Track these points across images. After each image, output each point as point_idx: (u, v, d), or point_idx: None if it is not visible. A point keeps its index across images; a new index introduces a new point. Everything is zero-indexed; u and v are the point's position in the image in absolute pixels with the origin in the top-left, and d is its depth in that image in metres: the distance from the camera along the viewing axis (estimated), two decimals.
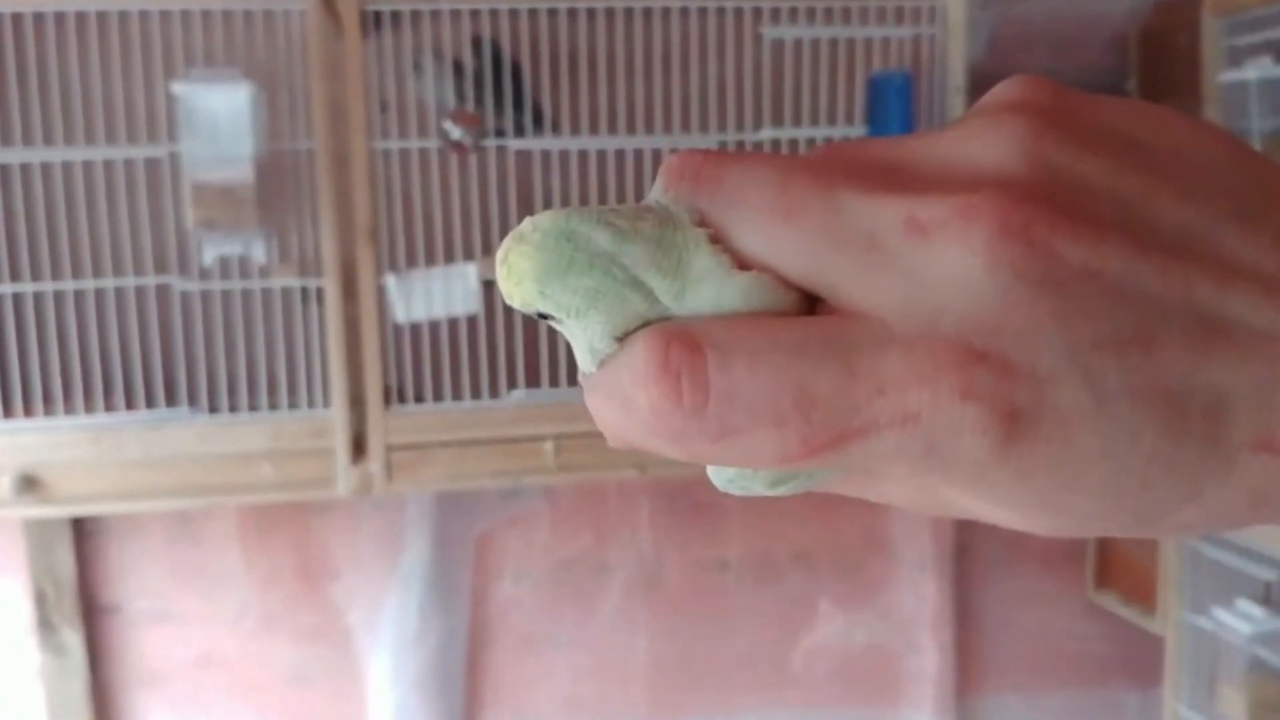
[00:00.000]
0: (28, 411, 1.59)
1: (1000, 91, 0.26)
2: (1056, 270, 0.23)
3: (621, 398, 0.26)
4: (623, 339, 0.26)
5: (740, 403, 0.24)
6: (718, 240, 0.26)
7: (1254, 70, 1.70)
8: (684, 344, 0.25)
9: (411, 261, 1.65)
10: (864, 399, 0.24)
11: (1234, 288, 0.23)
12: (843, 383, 0.24)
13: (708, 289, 0.26)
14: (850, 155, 0.26)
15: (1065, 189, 0.24)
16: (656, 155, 1.68)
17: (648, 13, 1.66)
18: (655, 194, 0.27)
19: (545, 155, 1.66)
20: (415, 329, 1.67)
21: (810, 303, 0.25)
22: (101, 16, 1.56)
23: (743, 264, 0.26)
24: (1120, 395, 0.23)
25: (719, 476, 0.28)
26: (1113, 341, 0.23)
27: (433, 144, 1.64)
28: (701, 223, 0.26)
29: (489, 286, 1.66)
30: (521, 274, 0.27)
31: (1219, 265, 0.24)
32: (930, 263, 0.24)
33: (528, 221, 0.27)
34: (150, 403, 1.62)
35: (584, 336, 0.27)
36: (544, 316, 0.27)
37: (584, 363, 0.27)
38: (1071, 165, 0.24)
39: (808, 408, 0.24)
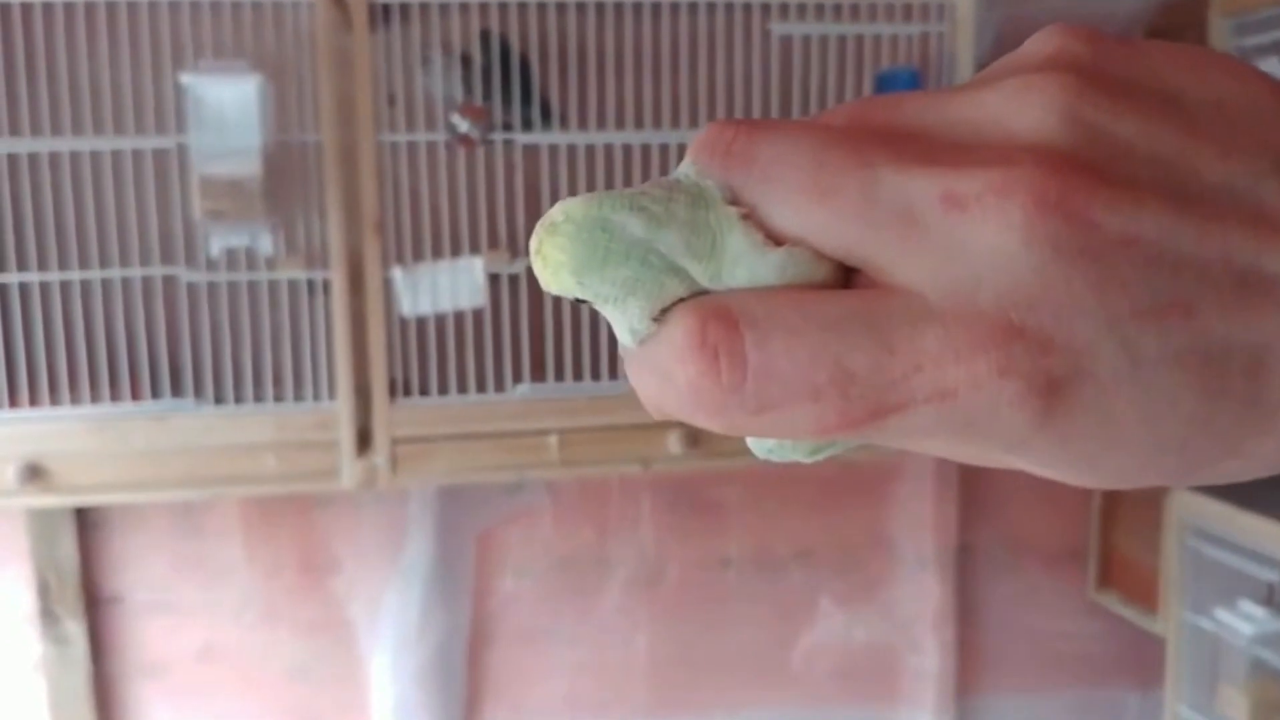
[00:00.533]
0: (33, 401, 1.59)
1: (1038, 45, 0.26)
2: (1094, 241, 0.23)
3: (661, 372, 0.26)
4: (660, 318, 0.26)
5: (777, 378, 0.24)
6: (750, 217, 0.26)
7: None
8: (721, 321, 0.25)
9: (418, 255, 1.65)
10: (901, 375, 0.24)
11: (1274, 243, 0.23)
12: (880, 358, 0.24)
13: (743, 269, 0.26)
14: (884, 121, 0.26)
15: (1103, 153, 0.24)
16: (664, 150, 1.68)
17: (656, 8, 1.66)
18: (685, 168, 0.27)
19: (553, 150, 1.66)
20: (421, 322, 1.67)
21: (846, 272, 0.25)
22: (110, 7, 1.56)
23: (777, 240, 0.26)
24: (1159, 362, 0.23)
25: (759, 446, 0.28)
26: (1151, 309, 0.23)
27: (440, 137, 1.64)
28: (733, 200, 0.26)
29: (494, 280, 1.66)
30: (558, 265, 0.27)
31: (1260, 221, 0.24)
32: (967, 238, 0.24)
33: (558, 209, 0.27)
34: (155, 393, 1.62)
35: (623, 320, 0.27)
36: (581, 301, 0.27)
37: (624, 339, 0.27)
38: (1109, 127, 0.24)
39: (844, 383, 0.24)
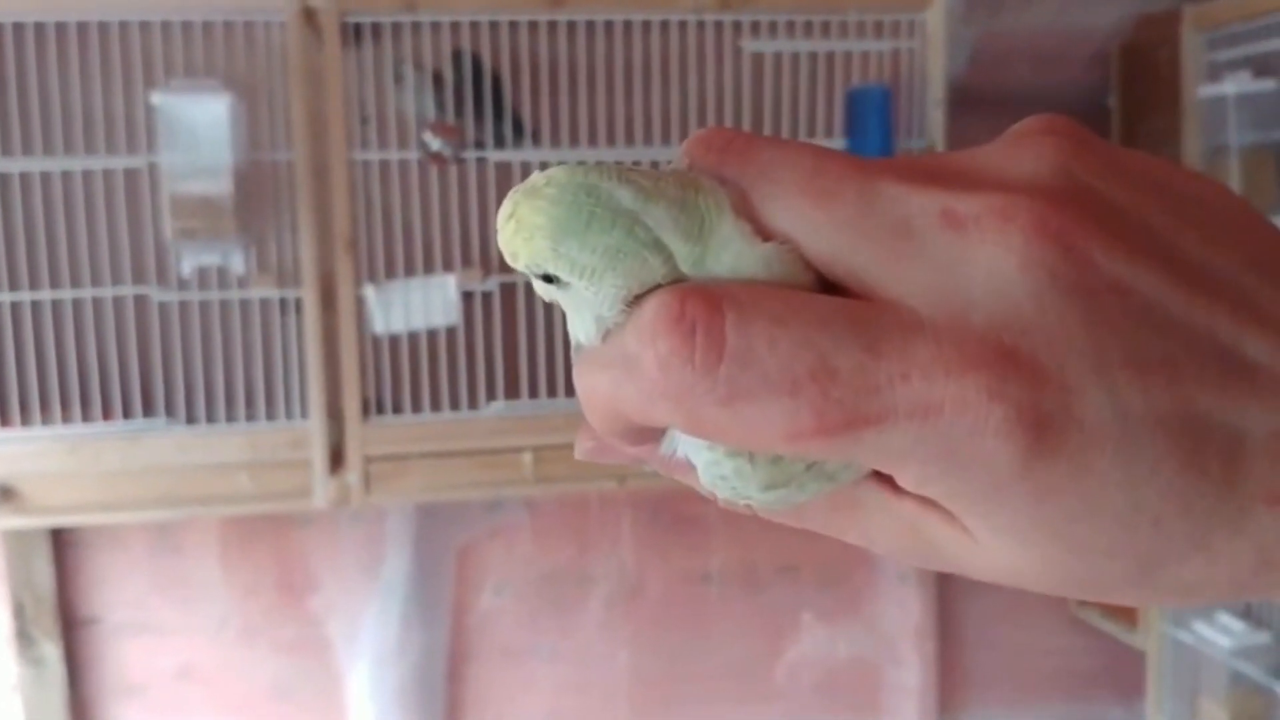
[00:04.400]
0: (5, 422, 1.59)
1: (1029, 121, 0.26)
2: (1090, 279, 0.23)
3: (623, 360, 0.24)
4: (631, 307, 0.25)
5: (755, 366, 0.23)
6: (741, 209, 0.25)
7: (1232, 85, 1.71)
8: (702, 298, 0.23)
9: (390, 272, 1.65)
10: (886, 382, 0.23)
11: (1256, 331, 0.23)
12: (866, 361, 0.23)
13: (728, 256, 0.24)
14: (885, 159, 0.26)
15: (1098, 207, 0.24)
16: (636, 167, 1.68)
17: (628, 25, 1.67)
18: (676, 162, 0.26)
19: (525, 167, 1.67)
20: (394, 340, 1.66)
21: (827, 287, 0.24)
22: (82, 27, 1.56)
23: (766, 236, 0.25)
24: (1144, 420, 0.23)
25: (711, 473, 0.26)
26: (1138, 362, 0.23)
27: (412, 155, 1.64)
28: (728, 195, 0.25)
29: (468, 298, 1.66)
30: (534, 229, 0.25)
31: (1242, 305, 0.23)
32: (964, 256, 0.23)
33: (538, 175, 0.25)
34: (128, 413, 1.62)
35: (592, 302, 0.25)
36: (548, 279, 0.25)
37: (583, 333, 0.26)
38: (1101, 188, 0.24)
39: (826, 381, 0.23)
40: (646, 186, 0.25)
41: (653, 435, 0.27)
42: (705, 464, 0.26)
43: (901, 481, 0.24)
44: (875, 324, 0.23)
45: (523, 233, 0.25)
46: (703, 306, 0.23)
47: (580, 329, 0.26)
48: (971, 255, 0.23)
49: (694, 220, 0.25)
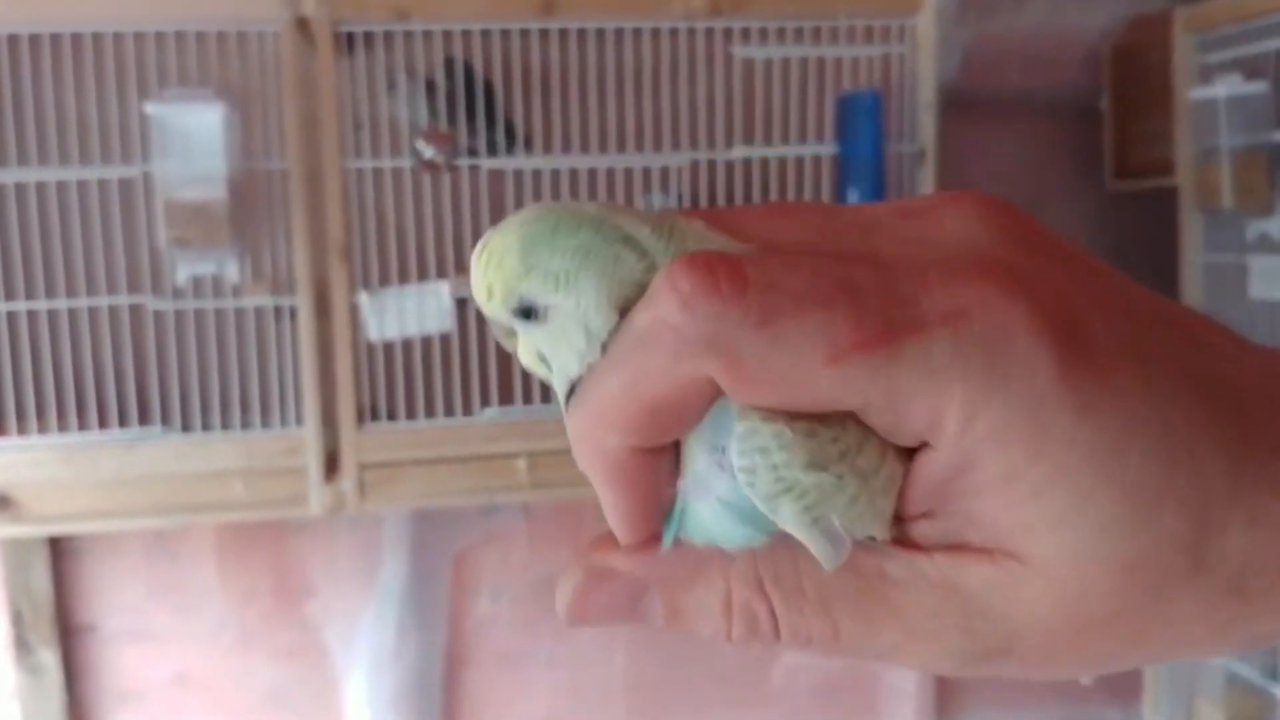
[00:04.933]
0: (2, 431, 1.59)
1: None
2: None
3: (633, 343, 0.23)
4: (624, 314, 0.24)
5: (782, 287, 0.22)
6: (714, 225, 0.25)
7: (1224, 87, 1.72)
8: (713, 255, 0.23)
9: (384, 280, 1.65)
10: (910, 294, 0.23)
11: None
12: (886, 278, 0.23)
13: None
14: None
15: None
16: (628, 174, 1.69)
17: (619, 33, 1.67)
18: None
19: (518, 174, 1.67)
20: (388, 347, 1.67)
21: None
22: (76, 37, 1.57)
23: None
24: (1151, 354, 0.23)
25: (749, 446, 0.24)
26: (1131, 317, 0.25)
27: (406, 163, 1.64)
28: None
29: (462, 305, 1.66)
30: (504, 251, 0.25)
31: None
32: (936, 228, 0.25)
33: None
34: (123, 421, 1.62)
35: (576, 315, 0.25)
36: (526, 315, 0.25)
37: (576, 359, 0.25)
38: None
39: (854, 291, 0.22)
40: (614, 205, 0.25)
41: (679, 424, 0.25)
42: (741, 439, 0.24)
43: (949, 421, 0.23)
44: (886, 260, 0.23)
45: (493, 260, 0.25)
46: (716, 256, 0.23)
47: (572, 355, 0.25)
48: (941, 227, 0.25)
49: (663, 221, 0.25)
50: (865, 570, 0.25)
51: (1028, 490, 0.23)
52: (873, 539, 0.25)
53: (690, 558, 0.25)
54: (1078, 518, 0.23)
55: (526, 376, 1.70)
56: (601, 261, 0.24)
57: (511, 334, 0.27)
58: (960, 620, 0.24)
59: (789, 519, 0.24)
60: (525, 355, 0.27)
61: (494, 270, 0.25)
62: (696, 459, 0.25)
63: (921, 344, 0.22)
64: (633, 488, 0.26)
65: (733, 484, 0.24)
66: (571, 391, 0.26)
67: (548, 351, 0.26)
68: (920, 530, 0.25)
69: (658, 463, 0.26)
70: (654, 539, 0.26)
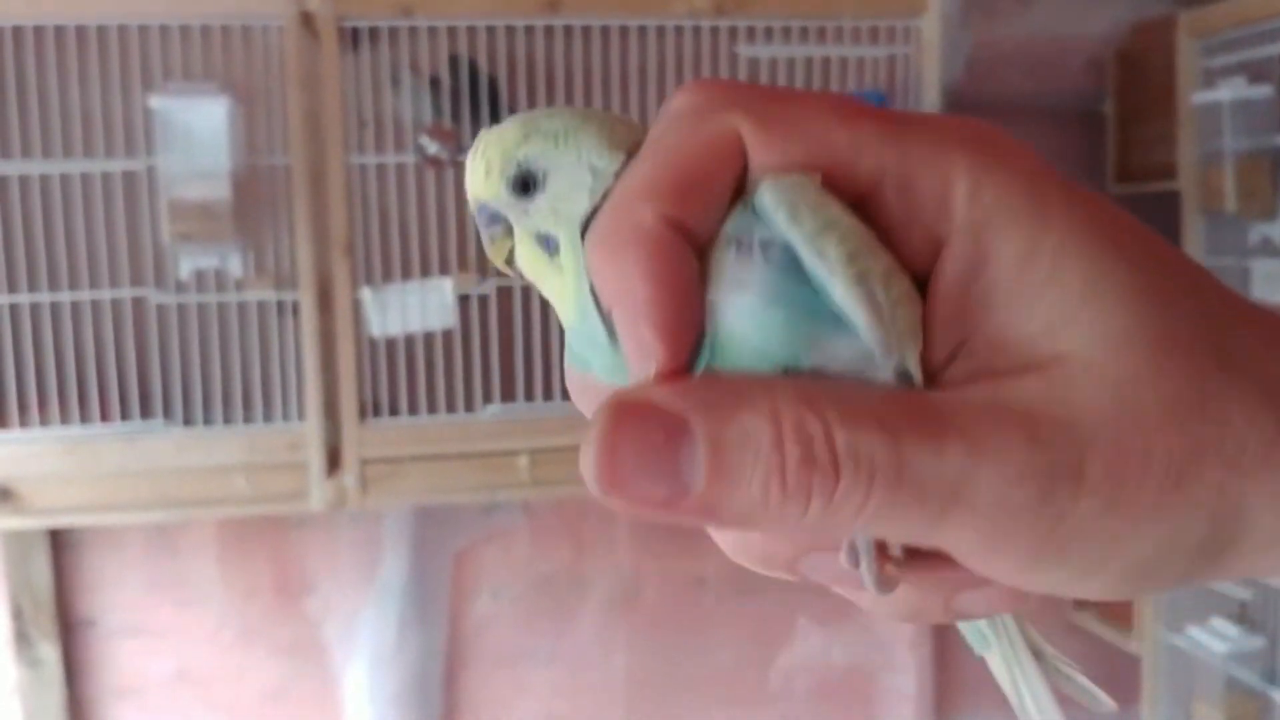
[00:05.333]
0: (4, 423, 1.60)
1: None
2: None
3: (659, 128, 0.26)
4: (624, 163, 0.25)
5: (796, 119, 0.25)
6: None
7: (1228, 91, 1.72)
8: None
9: (387, 275, 1.66)
10: (917, 115, 0.26)
11: None
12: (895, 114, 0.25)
13: None
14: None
15: None
16: None
17: (624, 30, 1.68)
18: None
19: None
20: (391, 342, 1.67)
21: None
22: (80, 30, 1.57)
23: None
24: None
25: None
26: None
27: (409, 159, 1.64)
28: None
29: (464, 301, 1.67)
30: (500, 130, 0.26)
31: None
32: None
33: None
34: (125, 415, 1.62)
35: (576, 165, 0.25)
36: (525, 188, 0.25)
37: (578, 208, 0.25)
38: None
39: (864, 106, 0.25)
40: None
41: (709, 195, 0.24)
42: (773, 190, 0.23)
43: (958, 191, 0.24)
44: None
45: (492, 142, 0.26)
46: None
47: (581, 195, 0.25)
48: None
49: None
50: (913, 399, 0.24)
51: (1044, 273, 0.23)
52: (908, 378, 0.24)
53: (730, 383, 0.23)
54: (1097, 297, 0.23)
55: (529, 373, 1.70)
56: (599, 121, 0.26)
57: (506, 236, 0.27)
58: (1026, 430, 0.23)
59: (834, 263, 0.23)
60: (522, 254, 0.26)
61: (492, 147, 0.25)
62: (723, 269, 0.24)
63: (927, 126, 0.24)
64: (670, 270, 0.23)
65: (764, 268, 0.23)
66: (583, 236, 0.25)
67: (550, 220, 0.25)
68: (950, 376, 0.24)
69: (691, 258, 0.24)
70: (685, 371, 0.24)
